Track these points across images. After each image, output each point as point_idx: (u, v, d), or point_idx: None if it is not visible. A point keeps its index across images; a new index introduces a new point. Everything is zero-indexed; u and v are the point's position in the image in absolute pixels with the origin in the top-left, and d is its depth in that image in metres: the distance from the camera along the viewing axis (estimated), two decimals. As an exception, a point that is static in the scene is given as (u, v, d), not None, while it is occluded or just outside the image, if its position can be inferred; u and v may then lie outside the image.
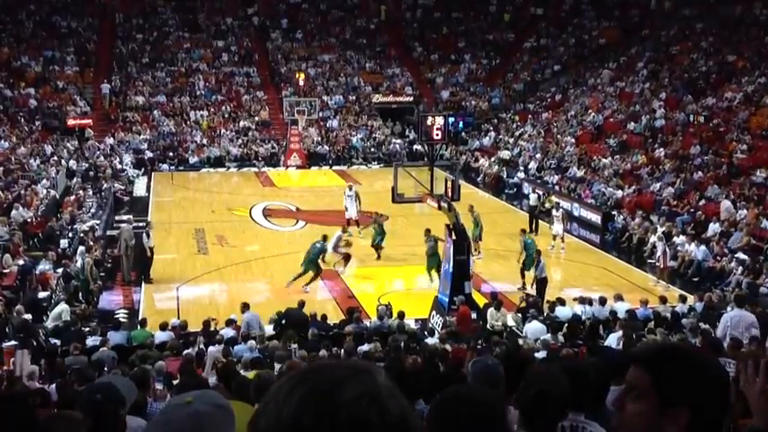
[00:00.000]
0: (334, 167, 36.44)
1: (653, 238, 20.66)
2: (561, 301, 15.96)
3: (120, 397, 3.42)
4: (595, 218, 25.40)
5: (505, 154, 34.75)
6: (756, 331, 11.56)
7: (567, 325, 14.29)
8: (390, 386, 1.29)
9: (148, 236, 19.51)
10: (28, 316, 14.71)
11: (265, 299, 18.18)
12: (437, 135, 16.79)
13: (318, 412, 1.23)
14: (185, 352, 12.28)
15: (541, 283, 17.83)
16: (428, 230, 19.21)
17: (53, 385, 9.46)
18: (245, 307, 14.81)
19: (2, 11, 41.68)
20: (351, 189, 24.07)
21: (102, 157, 33.59)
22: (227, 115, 39.51)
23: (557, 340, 13.14)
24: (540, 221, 24.37)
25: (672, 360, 1.82)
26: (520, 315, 15.87)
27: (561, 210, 23.04)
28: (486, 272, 19.95)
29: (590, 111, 35.33)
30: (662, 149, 28.60)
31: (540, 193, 26.35)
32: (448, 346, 11.91)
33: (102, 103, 38.93)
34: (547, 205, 26.19)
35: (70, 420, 3.32)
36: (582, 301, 15.94)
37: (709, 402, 1.77)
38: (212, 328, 14.32)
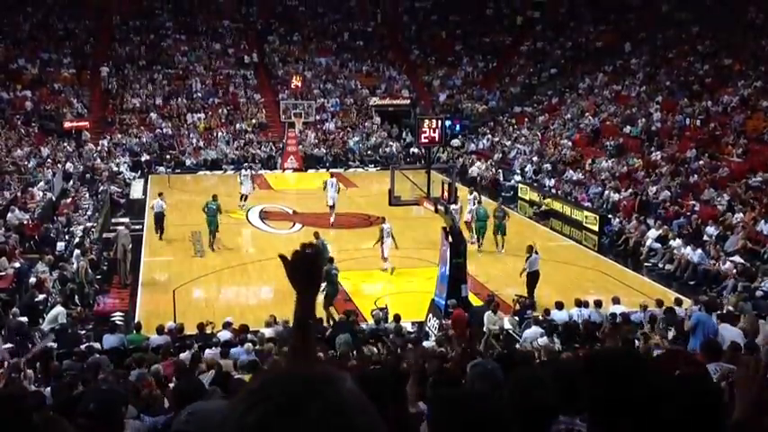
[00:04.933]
0: (331, 170, 36.36)
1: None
2: (558, 305, 15.94)
3: (117, 405, 3.41)
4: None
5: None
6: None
7: (563, 328, 14.29)
8: (355, 396, 1.18)
9: (164, 201, 23.07)
10: (24, 319, 14.70)
11: (261, 302, 18.15)
12: (434, 138, 16.81)
13: None
14: (181, 355, 12.25)
15: (532, 276, 17.75)
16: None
17: (48, 388, 9.43)
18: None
19: (-1, 12, 41.67)
20: (246, 169, 29.16)
21: (98, 160, 33.54)
22: (223, 118, 39.49)
23: (553, 343, 13.15)
24: (481, 195, 25.91)
25: None
26: (516, 318, 15.86)
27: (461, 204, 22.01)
28: (482, 274, 19.95)
29: (587, 114, 35.36)
30: (658, 152, 28.64)
31: (482, 164, 29.97)
32: (444, 349, 11.92)
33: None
34: (543, 207, 26.25)
35: (63, 425, 3.31)
36: (578, 304, 15.94)
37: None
38: (209, 331, 14.32)
